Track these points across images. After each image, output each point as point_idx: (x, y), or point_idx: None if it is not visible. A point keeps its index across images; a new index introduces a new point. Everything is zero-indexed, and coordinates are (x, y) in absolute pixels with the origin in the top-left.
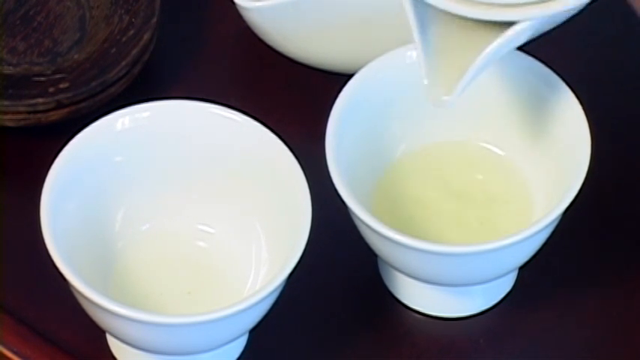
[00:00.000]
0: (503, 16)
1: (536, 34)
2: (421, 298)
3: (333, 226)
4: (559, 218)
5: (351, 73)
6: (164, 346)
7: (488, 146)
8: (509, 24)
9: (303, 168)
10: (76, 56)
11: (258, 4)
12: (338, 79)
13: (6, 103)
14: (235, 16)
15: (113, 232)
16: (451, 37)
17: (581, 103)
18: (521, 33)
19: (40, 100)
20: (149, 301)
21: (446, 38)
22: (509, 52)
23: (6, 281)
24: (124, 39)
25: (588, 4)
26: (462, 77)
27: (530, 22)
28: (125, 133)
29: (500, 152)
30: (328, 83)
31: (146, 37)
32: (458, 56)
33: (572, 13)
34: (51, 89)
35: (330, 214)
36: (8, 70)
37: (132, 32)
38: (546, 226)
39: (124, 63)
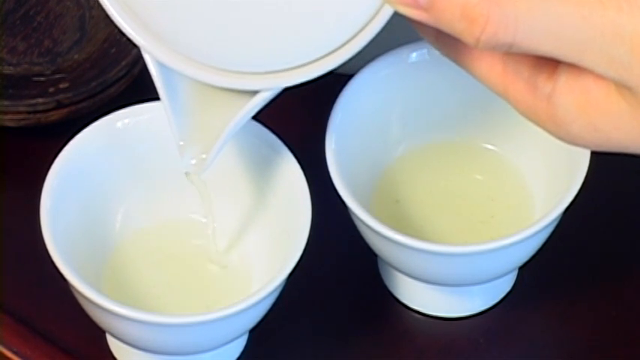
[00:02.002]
0: (249, 86)
1: None
2: (421, 298)
3: (333, 226)
4: (559, 218)
5: (351, 73)
6: (164, 346)
7: (488, 146)
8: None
9: (303, 168)
10: (76, 56)
11: None
12: (338, 79)
13: (6, 103)
14: None
15: (113, 232)
16: (200, 99)
17: None
18: (267, 98)
19: (40, 100)
20: (149, 301)
21: (195, 99)
22: None
23: (6, 281)
24: (124, 39)
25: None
26: (215, 144)
27: (275, 90)
28: (125, 133)
29: (499, 152)
30: (328, 83)
31: None
32: (210, 122)
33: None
34: (51, 89)
35: (330, 214)
36: (8, 70)
37: None
38: (546, 226)
39: (124, 63)
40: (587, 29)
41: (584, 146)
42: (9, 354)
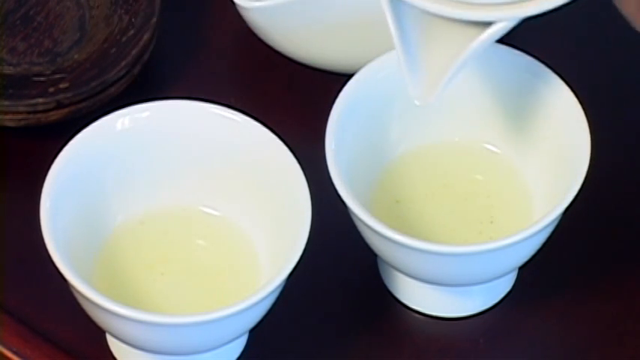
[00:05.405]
0: (485, 17)
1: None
2: (421, 298)
3: (333, 226)
4: (559, 218)
5: (351, 73)
6: (164, 346)
7: (488, 146)
8: (488, 22)
9: (303, 168)
10: (76, 56)
11: (258, 4)
12: (338, 79)
13: (6, 103)
14: (235, 16)
15: (113, 231)
16: (430, 36)
17: (582, 103)
18: (502, 30)
19: (40, 100)
20: (149, 301)
21: (425, 37)
22: (509, 51)
23: (6, 281)
24: (123, 39)
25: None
26: (445, 75)
27: (512, 21)
28: (125, 133)
29: (500, 152)
30: (328, 83)
31: (146, 37)
32: (438, 55)
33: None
34: (51, 89)
35: (330, 214)
36: (8, 70)
37: (132, 32)
38: (546, 226)
39: (123, 63)
40: None
41: None
42: (9, 354)
